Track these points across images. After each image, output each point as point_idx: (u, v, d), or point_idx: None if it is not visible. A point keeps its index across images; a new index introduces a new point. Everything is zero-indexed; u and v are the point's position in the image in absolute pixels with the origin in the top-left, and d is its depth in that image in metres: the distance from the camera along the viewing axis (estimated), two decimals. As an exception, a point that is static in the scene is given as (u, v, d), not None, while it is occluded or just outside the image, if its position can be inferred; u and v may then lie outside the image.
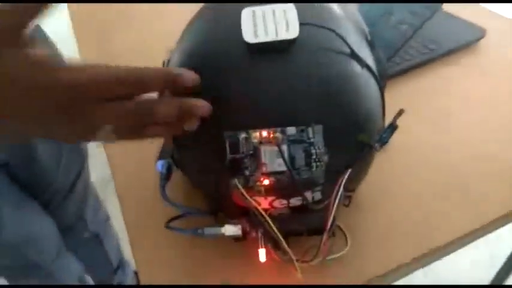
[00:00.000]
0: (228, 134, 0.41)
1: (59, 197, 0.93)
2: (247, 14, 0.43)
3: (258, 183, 0.42)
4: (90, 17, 1.00)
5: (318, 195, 0.45)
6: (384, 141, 0.46)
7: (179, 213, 0.51)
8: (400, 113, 0.48)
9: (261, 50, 0.42)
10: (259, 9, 0.43)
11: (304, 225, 0.47)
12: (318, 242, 0.45)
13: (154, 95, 0.41)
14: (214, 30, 0.47)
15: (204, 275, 0.50)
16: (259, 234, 0.45)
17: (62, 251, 0.98)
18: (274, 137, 0.41)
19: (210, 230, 0.46)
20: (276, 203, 0.45)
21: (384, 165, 0.58)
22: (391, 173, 0.59)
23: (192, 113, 0.40)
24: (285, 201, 0.45)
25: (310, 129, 0.41)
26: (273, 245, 0.45)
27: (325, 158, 0.42)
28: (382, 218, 0.54)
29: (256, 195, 0.43)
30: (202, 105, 0.40)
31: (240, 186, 0.41)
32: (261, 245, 0.45)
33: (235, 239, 0.47)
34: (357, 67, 0.44)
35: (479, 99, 0.70)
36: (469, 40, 0.80)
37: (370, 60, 0.47)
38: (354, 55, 0.44)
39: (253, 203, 0.41)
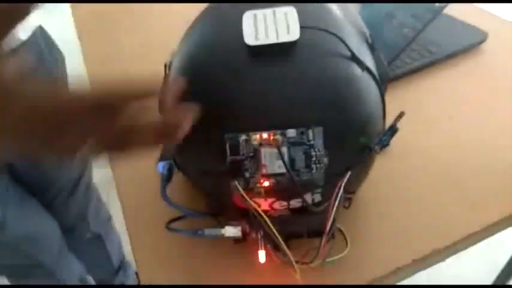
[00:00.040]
0: (228, 136, 0.41)
1: (61, 197, 0.93)
2: (248, 16, 0.43)
3: (258, 185, 0.42)
4: (93, 18, 1.01)
5: (318, 197, 0.45)
6: (384, 144, 0.46)
7: (180, 215, 0.51)
8: (401, 115, 0.48)
9: (262, 52, 0.42)
10: (260, 12, 0.43)
11: (304, 227, 0.47)
12: (318, 244, 0.45)
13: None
14: (215, 33, 0.47)
15: (204, 276, 0.51)
16: (259, 236, 0.45)
17: (64, 251, 0.99)
18: (274, 139, 0.41)
19: (210, 231, 0.46)
20: (276, 205, 0.45)
21: (385, 168, 0.58)
22: (392, 176, 0.59)
23: (175, 133, 0.37)
24: (285, 203, 0.45)
25: (310, 132, 0.41)
26: (273, 246, 0.45)
27: (325, 160, 0.42)
28: (383, 220, 0.54)
29: (256, 196, 0.43)
30: (184, 125, 0.37)
31: (240, 188, 0.41)
32: (261, 247, 0.45)
33: (235, 240, 0.47)
34: (357, 70, 0.44)
35: (481, 102, 0.70)
36: (471, 43, 0.80)
37: (370, 63, 0.47)
38: (354, 58, 0.44)
39: (253, 204, 0.42)
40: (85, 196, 1.01)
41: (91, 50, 0.90)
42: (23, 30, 0.69)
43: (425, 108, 0.69)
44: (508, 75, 0.75)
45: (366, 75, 0.45)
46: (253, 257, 0.47)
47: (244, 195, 0.41)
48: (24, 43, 0.70)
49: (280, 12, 0.43)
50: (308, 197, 0.45)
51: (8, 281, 0.96)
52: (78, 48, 0.90)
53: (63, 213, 0.95)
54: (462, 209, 0.55)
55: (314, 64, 0.43)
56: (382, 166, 0.55)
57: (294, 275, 0.45)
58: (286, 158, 0.41)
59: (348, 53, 0.44)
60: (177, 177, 0.54)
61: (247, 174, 0.42)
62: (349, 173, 0.44)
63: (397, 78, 0.74)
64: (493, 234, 0.55)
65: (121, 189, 0.62)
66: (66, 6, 1.11)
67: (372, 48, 0.50)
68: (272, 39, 0.41)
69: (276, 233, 0.42)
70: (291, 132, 0.41)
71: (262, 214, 0.42)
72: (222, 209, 0.50)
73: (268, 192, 0.42)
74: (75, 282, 1.04)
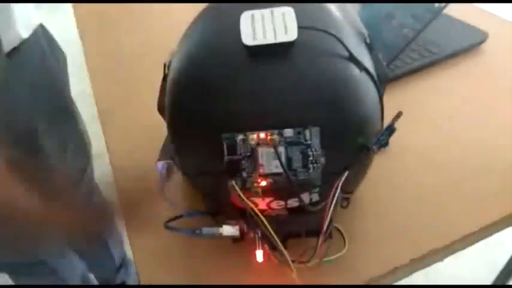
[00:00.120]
0: (225, 135, 0.42)
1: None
2: (246, 16, 0.43)
3: (255, 184, 0.42)
4: (94, 18, 1.01)
5: (315, 197, 0.46)
6: (381, 144, 0.46)
7: (178, 214, 0.52)
8: (399, 115, 0.48)
9: (260, 52, 0.42)
10: (258, 12, 0.44)
11: (302, 227, 0.47)
12: (316, 244, 0.45)
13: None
14: (213, 33, 0.47)
15: (202, 275, 0.51)
16: (257, 235, 0.45)
17: (66, 249, 0.99)
18: (271, 139, 0.41)
19: (208, 230, 0.46)
20: (274, 204, 0.45)
21: (383, 167, 0.58)
22: (391, 175, 0.59)
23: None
24: (282, 203, 0.45)
25: (307, 131, 0.41)
26: (270, 246, 0.45)
27: (322, 159, 0.42)
28: (381, 220, 0.55)
29: (253, 196, 0.43)
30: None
31: (237, 188, 0.42)
32: (259, 246, 0.45)
33: (233, 239, 0.47)
34: (355, 70, 0.44)
35: (481, 103, 0.70)
36: (471, 43, 0.80)
37: (368, 63, 0.47)
38: (352, 58, 0.44)
39: (250, 204, 0.42)
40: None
41: (92, 50, 0.90)
42: (25, 28, 0.69)
43: (425, 108, 0.70)
44: (508, 75, 0.75)
45: (363, 76, 0.45)
46: (251, 256, 0.47)
47: (241, 194, 0.42)
48: (26, 41, 0.70)
49: (278, 13, 0.43)
50: (306, 197, 0.45)
51: (9, 278, 0.96)
52: (80, 48, 0.91)
53: (65, 212, 0.96)
54: (461, 209, 0.55)
55: (312, 64, 0.43)
56: (380, 166, 0.55)
57: (291, 275, 0.46)
58: (283, 157, 0.42)
59: (346, 53, 0.44)
60: (176, 176, 0.54)
61: (244, 174, 0.42)
62: (346, 173, 0.44)
63: (397, 78, 0.74)
64: (491, 234, 0.56)
65: (120, 188, 0.62)
66: (69, 6, 1.12)
67: (370, 48, 0.50)
68: (270, 40, 0.42)
69: (273, 233, 0.42)
70: (288, 132, 0.41)
71: (259, 214, 0.42)
72: (220, 209, 0.51)
73: (266, 192, 0.43)
74: (77, 280, 1.05)
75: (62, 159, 0.85)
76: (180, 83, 0.47)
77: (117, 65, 0.85)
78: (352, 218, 0.54)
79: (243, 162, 0.42)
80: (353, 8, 0.54)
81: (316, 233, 0.45)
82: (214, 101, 0.43)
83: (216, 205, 0.51)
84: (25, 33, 0.69)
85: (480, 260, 1.41)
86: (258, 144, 0.41)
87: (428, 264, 0.53)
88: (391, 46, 0.74)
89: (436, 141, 0.64)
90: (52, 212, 0.43)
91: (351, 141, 0.45)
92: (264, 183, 0.42)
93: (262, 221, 0.42)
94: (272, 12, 0.43)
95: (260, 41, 0.42)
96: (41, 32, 0.77)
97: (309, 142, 0.41)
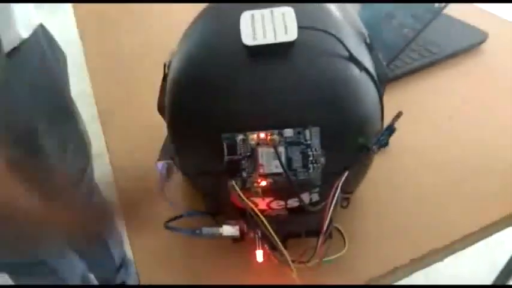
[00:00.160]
0: (225, 135, 0.42)
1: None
2: (246, 16, 0.43)
3: (255, 184, 0.42)
4: (95, 17, 1.01)
5: (315, 197, 0.46)
6: (381, 144, 0.46)
7: (179, 214, 0.52)
8: (399, 115, 0.48)
9: (260, 52, 0.42)
10: (258, 12, 0.44)
11: (302, 227, 0.47)
12: (316, 244, 0.45)
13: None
14: (213, 33, 0.47)
15: (202, 275, 0.51)
16: (257, 235, 0.45)
17: (66, 249, 0.99)
18: (271, 139, 0.41)
19: (207, 231, 0.46)
20: (274, 204, 0.45)
21: (384, 167, 0.58)
22: (390, 175, 0.59)
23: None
24: (282, 203, 0.45)
25: (307, 131, 0.41)
26: (270, 246, 0.45)
27: (322, 160, 0.42)
28: (381, 220, 0.55)
29: (253, 196, 0.43)
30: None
31: (237, 188, 0.42)
32: (259, 246, 0.45)
33: (233, 239, 0.47)
34: (355, 70, 0.44)
35: (481, 103, 0.70)
36: (471, 43, 0.80)
37: (368, 63, 0.47)
38: (352, 58, 0.44)
39: (250, 204, 0.42)
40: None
41: (92, 50, 0.90)
42: (25, 28, 0.69)
43: (425, 108, 0.69)
44: (508, 75, 0.75)
45: (363, 76, 0.45)
46: (251, 256, 0.47)
47: (241, 194, 0.42)
48: (25, 41, 0.70)
49: (278, 13, 0.43)
50: (306, 197, 0.45)
51: (9, 278, 0.96)
52: (80, 48, 0.91)
53: (65, 212, 0.96)
54: (461, 209, 0.55)
55: (312, 64, 0.43)
56: (380, 166, 0.55)
57: (291, 275, 0.46)
58: (283, 157, 0.42)
59: (346, 53, 0.44)
60: (176, 176, 0.54)
61: (244, 174, 0.42)
62: (346, 173, 0.44)
63: (397, 78, 0.74)
64: (491, 234, 0.56)
65: (120, 188, 0.62)
66: (69, 6, 1.12)
67: (370, 48, 0.50)
68: (270, 40, 0.42)
69: (273, 233, 0.42)
70: (288, 132, 0.41)
71: (259, 214, 0.42)
72: (220, 209, 0.51)
73: (266, 192, 0.43)
74: (77, 280, 1.05)
75: (62, 159, 0.85)
76: (180, 82, 0.47)
77: (117, 65, 0.85)
78: (352, 218, 0.54)
79: (243, 162, 0.42)
80: (353, 8, 0.54)
81: (316, 233, 0.45)
82: (214, 101, 0.43)
83: (216, 205, 0.51)
84: (25, 33, 0.69)
85: (480, 260, 1.41)
86: (258, 144, 0.41)
87: (428, 264, 0.53)
88: (391, 46, 0.74)
89: (436, 141, 0.64)
90: (52, 212, 0.43)
91: (351, 141, 0.45)
92: (264, 183, 0.42)
93: (262, 221, 0.42)
94: (272, 12, 0.43)
95: (260, 41, 0.42)
96: (41, 32, 0.77)
97: (309, 142, 0.41)
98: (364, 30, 0.51)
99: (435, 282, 1.34)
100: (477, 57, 0.79)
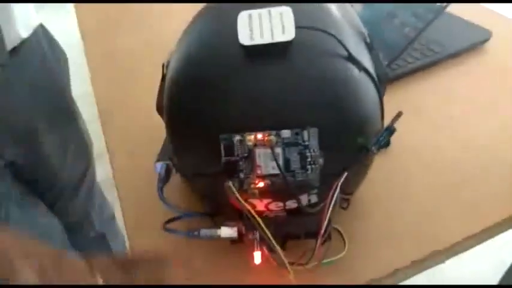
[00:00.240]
0: (223, 136, 0.41)
1: (64, 196, 0.93)
2: (243, 16, 0.43)
3: (253, 185, 0.42)
4: (96, 17, 1.01)
5: (314, 198, 0.45)
6: (381, 144, 0.46)
7: (177, 215, 0.51)
8: (399, 115, 0.48)
9: (257, 52, 0.42)
10: (255, 11, 0.43)
11: (301, 228, 0.46)
12: (314, 246, 0.45)
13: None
14: (211, 33, 0.47)
15: (201, 276, 0.51)
16: (255, 237, 0.45)
17: (68, 250, 0.99)
18: (269, 140, 0.40)
19: (205, 232, 0.46)
20: (272, 206, 0.45)
21: (384, 168, 0.58)
22: (391, 176, 0.59)
23: None
24: (280, 204, 0.45)
25: (305, 132, 0.41)
26: (269, 247, 0.45)
27: (321, 161, 0.42)
28: (381, 221, 0.54)
29: (251, 197, 0.43)
30: None
31: (233, 189, 0.41)
32: (257, 248, 0.45)
33: (232, 241, 0.47)
34: (354, 70, 0.44)
35: (484, 102, 0.69)
36: (474, 42, 0.79)
37: (368, 63, 0.47)
38: (351, 58, 0.44)
39: (246, 205, 0.41)
40: (88, 195, 1.01)
41: (93, 50, 0.90)
42: (24, 28, 0.69)
43: (427, 108, 0.69)
44: (512, 74, 0.74)
45: (363, 76, 0.45)
46: (250, 258, 0.46)
47: (238, 196, 0.41)
48: (26, 41, 0.70)
49: (276, 12, 0.43)
50: (304, 198, 0.45)
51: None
52: (82, 48, 0.91)
53: (66, 212, 0.95)
54: (462, 210, 0.55)
55: (309, 64, 0.42)
56: (381, 166, 0.55)
57: (291, 276, 0.45)
58: (281, 158, 0.41)
59: (345, 53, 0.44)
60: (176, 177, 0.54)
61: (242, 175, 0.42)
62: (345, 174, 0.43)
63: (399, 78, 0.73)
64: (494, 236, 0.55)
65: (121, 189, 0.62)
66: (71, 6, 1.12)
67: (370, 48, 0.49)
68: (267, 39, 0.41)
69: (269, 235, 0.42)
70: (286, 133, 0.41)
71: (255, 215, 0.42)
72: (219, 210, 0.50)
73: (263, 193, 0.42)
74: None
75: (62, 159, 0.85)
76: (177, 82, 0.47)
77: (118, 65, 0.85)
78: (352, 219, 0.53)
79: (241, 163, 0.42)
80: (354, 8, 0.53)
81: (315, 234, 0.45)
82: (210, 101, 0.42)
83: (214, 206, 0.50)
84: (25, 33, 0.69)
85: (486, 259, 1.40)
86: (255, 145, 0.41)
87: (430, 266, 0.52)
88: (392, 45, 0.73)
89: (438, 142, 0.63)
90: None
91: (350, 142, 0.44)
92: (261, 184, 0.42)
93: (258, 223, 0.42)
94: (270, 12, 0.43)
95: (257, 40, 0.41)
96: (42, 33, 0.77)
97: (306, 143, 0.41)
98: (364, 30, 0.51)
99: (440, 281, 1.33)
100: (480, 57, 0.78)
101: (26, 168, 0.80)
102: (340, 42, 0.43)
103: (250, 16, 0.43)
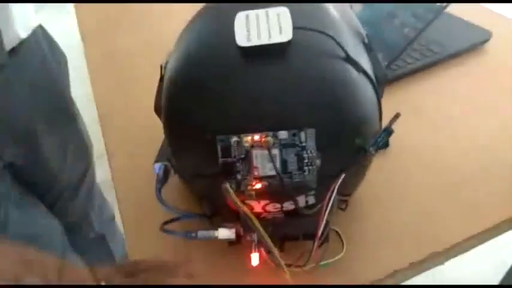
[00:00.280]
0: (219, 137, 0.41)
1: (64, 196, 0.93)
2: (240, 18, 0.43)
3: (250, 187, 0.42)
4: (96, 18, 1.01)
5: (311, 200, 0.45)
6: (379, 145, 0.46)
7: (176, 216, 0.51)
8: (397, 116, 0.47)
9: (254, 53, 0.42)
10: (252, 12, 0.43)
11: (299, 230, 0.46)
12: (312, 248, 0.45)
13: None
14: (209, 33, 0.47)
15: (199, 277, 0.50)
16: (253, 238, 0.45)
17: (68, 251, 0.99)
18: (266, 141, 0.40)
19: (203, 234, 0.46)
20: (270, 207, 0.45)
21: (383, 169, 0.58)
22: (391, 177, 0.59)
23: None
24: (278, 205, 0.44)
25: (302, 133, 0.41)
26: (266, 249, 0.44)
27: (318, 162, 0.41)
28: (381, 222, 0.54)
29: (248, 199, 0.42)
30: None
31: (230, 190, 0.41)
32: (254, 249, 0.45)
33: (230, 242, 0.47)
34: (352, 71, 0.44)
35: (484, 103, 0.69)
36: (474, 43, 0.78)
37: (366, 64, 0.46)
38: (349, 59, 0.44)
39: (243, 207, 0.41)
40: (88, 196, 1.01)
41: (92, 51, 0.90)
42: (23, 28, 0.69)
43: (427, 109, 0.69)
44: (512, 75, 0.74)
45: (361, 77, 0.45)
46: (248, 259, 0.46)
47: (235, 197, 0.41)
48: (25, 41, 0.70)
49: (273, 13, 0.43)
50: (302, 200, 0.44)
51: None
52: (81, 49, 0.91)
53: (66, 212, 0.96)
54: (462, 211, 0.55)
55: (307, 65, 0.42)
56: (380, 167, 0.54)
57: (288, 278, 0.45)
58: (278, 160, 0.41)
59: (343, 54, 0.43)
60: (174, 178, 0.54)
61: (239, 177, 0.42)
62: (342, 176, 0.43)
63: (399, 78, 0.73)
64: (493, 237, 0.55)
65: (119, 190, 0.62)
66: (70, 5, 1.12)
67: (368, 48, 0.49)
68: (264, 40, 0.41)
69: (266, 236, 0.42)
70: (283, 134, 0.41)
71: (252, 217, 0.42)
72: (217, 211, 0.50)
73: (260, 195, 0.42)
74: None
75: (62, 160, 0.85)
76: (174, 83, 0.47)
77: (118, 66, 0.85)
78: (351, 221, 0.53)
79: (238, 164, 0.41)
80: (354, 8, 0.53)
81: (313, 236, 0.45)
82: (207, 102, 0.42)
83: (212, 207, 0.50)
84: (24, 33, 0.69)
85: (487, 259, 1.39)
86: (252, 146, 0.41)
87: (429, 268, 0.52)
88: (392, 46, 0.73)
89: (438, 142, 0.63)
90: None
91: (348, 143, 0.44)
92: (258, 185, 0.42)
93: (254, 224, 0.41)
94: (267, 12, 0.43)
95: (254, 41, 0.41)
96: (42, 34, 0.77)
97: (304, 144, 0.41)
98: (363, 31, 0.50)
99: (440, 281, 1.32)
100: (480, 57, 0.78)
101: (25, 169, 0.80)
102: (338, 43, 0.43)
103: (247, 17, 0.43)
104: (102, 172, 1.02)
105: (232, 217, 0.46)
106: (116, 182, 0.63)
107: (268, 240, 0.42)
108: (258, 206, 0.44)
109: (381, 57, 0.70)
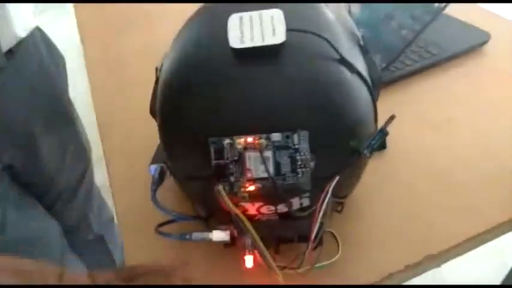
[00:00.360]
0: (212, 139, 0.41)
1: (62, 198, 0.93)
2: (234, 19, 0.43)
3: (243, 189, 0.41)
4: (96, 19, 1.02)
5: (306, 202, 0.45)
6: (373, 148, 0.45)
7: (171, 218, 0.51)
8: (392, 118, 0.47)
9: (247, 55, 0.42)
10: (246, 14, 0.43)
11: (294, 232, 0.46)
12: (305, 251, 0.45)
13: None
14: (203, 35, 0.47)
15: (195, 279, 0.50)
16: (247, 241, 0.44)
17: (66, 252, 0.99)
18: (259, 143, 0.40)
19: (197, 236, 0.46)
20: (264, 209, 0.44)
21: (380, 171, 0.57)
22: (387, 179, 0.59)
23: None
24: (272, 208, 0.44)
25: (295, 136, 0.41)
26: (260, 251, 0.44)
27: (311, 164, 0.41)
28: (376, 225, 0.54)
29: (241, 201, 0.42)
30: None
31: (223, 193, 0.41)
32: (248, 251, 0.45)
33: (225, 244, 0.47)
34: (346, 73, 0.44)
35: (483, 105, 0.69)
36: (473, 44, 0.78)
37: (361, 65, 0.46)
38: (343, 61, 0.43)
39: (235, 209, 0.41)
40: (87, 197, 1.01)
41: (91, 53, 0.90)
42: (21, 29, 0.69)
43: (425, 111, 0.68)
44: (511, 77, 0.73)
45: (355, 79, 0.44)
46: (243, 261, 0.46)
47: (227, 199, 0.41)
48: (23, 42, 0.70)
49: (267, 15, 0.43)
50: (296, 202, 0.44)
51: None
52: (81, 50, 0.91)
53: (65, 214, 0.95)
54: (459, 214, 0.54)
55: (300, 67, 0.42)
56: (377, 170, 0.54)
57: (283, 280, 0.45)
58: (271, 162, 0.41)
59: (337, 56, 0.43)
60: (170, 180, 0.53)
61: (232, 179, 0.41)
62: (337, 178, 0.43)
63: (397, 80, 0.73)
64: (490, 240, 0.54)
65: (116, 192, 0.62)
66: (70, 5, 1.12)
67: (364, 50, 0.49)
68: (257, 42, 0.41)
69: (258, 239, 0.42)
70: (276, 136, 0.41)
71: (244, 219, 0.41)
72: (212, 213, 0.50)
73: (254, 197, 0.42)
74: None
75: (60, 161, 0.85)
76: (168, 85, 0.47)
77: (116, 66, 0.85)
78: (346, 223, 0.53)
79: (231, 166, 0.41)
80: (352, 10, 0.53)
81: (308, 238, 0.44)
82: (200, 104, 0.42)
83: (207, 210, 0.50)
84: (21, 34, 0.69)
85: (488, 262, 1.38)
86: (245, 148, 0.41)
87: (425, 270, 0.52)
88: (390, 48, 0.73)
89: (435, 145, 0.63)
90: None
91: (342, 145, 0.44)
92: (251, 187, 0.41)
93: (246, 227, 0.41)
94: (261, 14, 0.43)
95: (247, 43, 0.41)
96: (40, 37, 0.77)
97: (297, 146, 0.41)
98: (358, 33, 0.50)
99: (442, 282, 1.32)
100: (479, 59, 0.77)
101: (23, 171, 0.80)
102: (331, 45, 0.43)
103: (241, 19, 0.43)
104: (101, 176, 1.02)
105: (226, 219, 0.46)
106: (113, 184, 0.63)
107: (261, 244, 0.42)
108: (252, 208, 0.44)
109: (379, 59, 0.70)
